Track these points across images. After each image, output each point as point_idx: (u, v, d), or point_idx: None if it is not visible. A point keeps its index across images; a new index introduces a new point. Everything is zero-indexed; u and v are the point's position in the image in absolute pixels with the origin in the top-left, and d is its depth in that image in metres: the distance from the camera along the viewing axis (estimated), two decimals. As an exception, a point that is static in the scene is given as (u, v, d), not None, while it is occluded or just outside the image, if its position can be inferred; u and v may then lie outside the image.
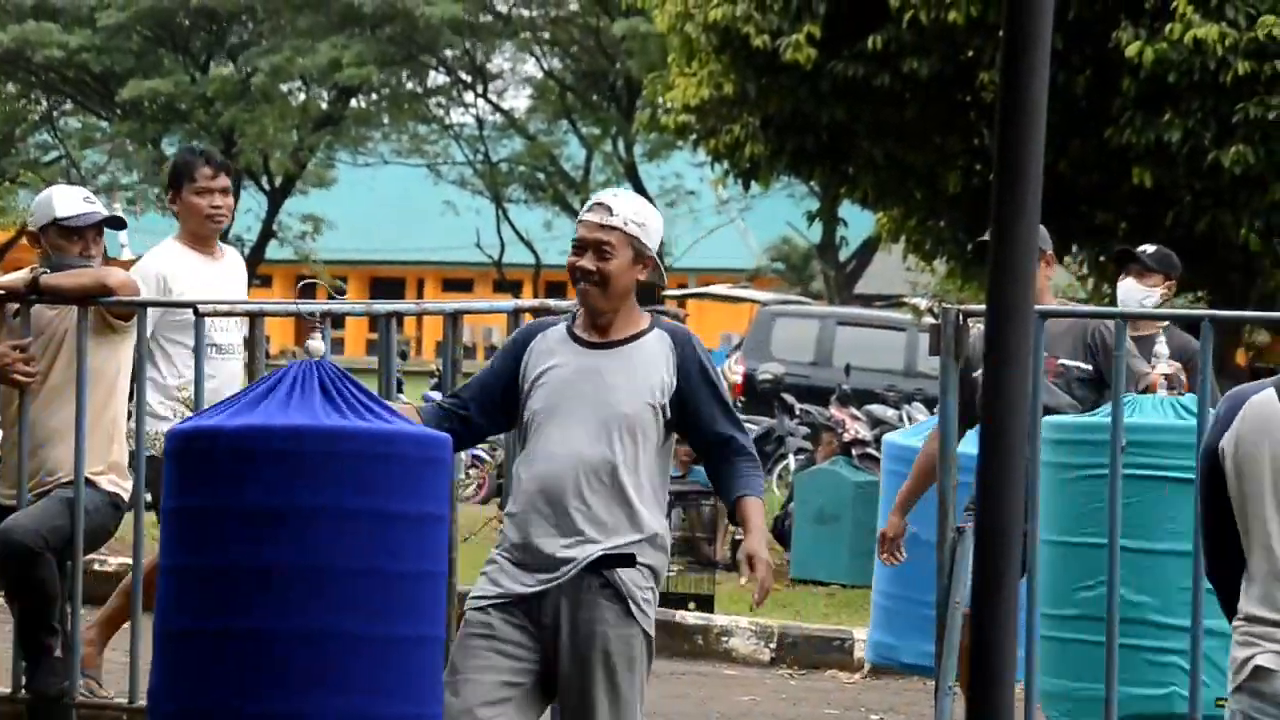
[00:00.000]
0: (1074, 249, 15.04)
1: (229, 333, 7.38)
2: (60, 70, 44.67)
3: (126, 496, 6.60)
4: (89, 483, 6.43)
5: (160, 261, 7.34)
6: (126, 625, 6.79)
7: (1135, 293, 7.77)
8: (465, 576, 9.35)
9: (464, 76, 46.76)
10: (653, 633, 5.23)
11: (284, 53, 42.41)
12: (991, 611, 2.63)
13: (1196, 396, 6.14)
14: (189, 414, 6.16)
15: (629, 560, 5.14)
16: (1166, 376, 6.09)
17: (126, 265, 7.51)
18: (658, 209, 5.50)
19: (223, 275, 7.39)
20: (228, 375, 7.31)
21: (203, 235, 7.36)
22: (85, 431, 6.31)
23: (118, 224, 6.98)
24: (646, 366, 5.22)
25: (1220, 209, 12.68)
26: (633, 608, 5.14)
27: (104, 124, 46.79)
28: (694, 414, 5.23)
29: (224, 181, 7.38)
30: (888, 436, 9.01)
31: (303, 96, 46.78)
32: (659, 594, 5.37)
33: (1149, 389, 6.22)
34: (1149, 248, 8.00)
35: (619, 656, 5.12)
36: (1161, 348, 6.21)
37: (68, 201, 6.65)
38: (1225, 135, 12.18)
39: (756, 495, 5.27)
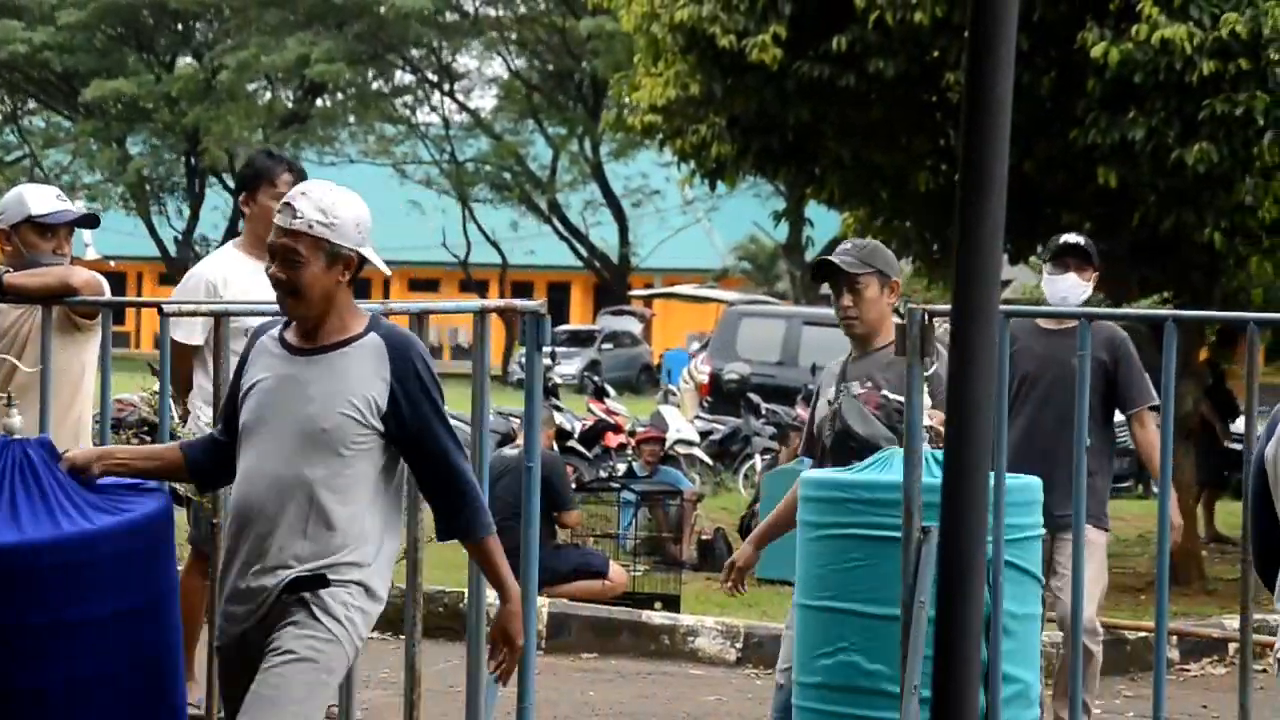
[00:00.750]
0: (1039, 249, 15.07)
1: None
2: (24, 69, 44.49)
3: None
4: None
5: (213, 267, 7.17)
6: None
7: (1078, 288, 7.66)
8: (431, 577, 9.35)
9: (430, 76, 46.71)
10: (350, 651, 4.79)
11: (250, 49, 42.31)
12: (955, 612, 2.64)
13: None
14: None
15: (323, 581, 4.75)
16: (927, 428, 5.61)
17: (91, 265, 7.45)
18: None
19: None
20: None
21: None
22: (50, 432, 6.27)
23: (92, 223, 6.92)
24: (350, 376, 4.78)
25: (1184, 208, 12.72)
26: (320, 613, 4.73)
27: (67, 123, 46.64)
28: (416, 438, 4.80)
29: None
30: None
31: (268, 96, 46.67)
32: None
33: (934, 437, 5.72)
34: (1080, 239, 7.85)
35: (301, 648, 4.71)
36: (928, 399, 5.76)
37: (42, 199, 6.62)
38: (1189, 134, 12.22)
39: (494, 534, 4.89)
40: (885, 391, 6.38)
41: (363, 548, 4.79)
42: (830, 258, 6.63)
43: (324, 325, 4.82)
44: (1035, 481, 5.99)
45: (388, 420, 4.77)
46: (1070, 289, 7.65)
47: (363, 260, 4.84)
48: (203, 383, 7.03)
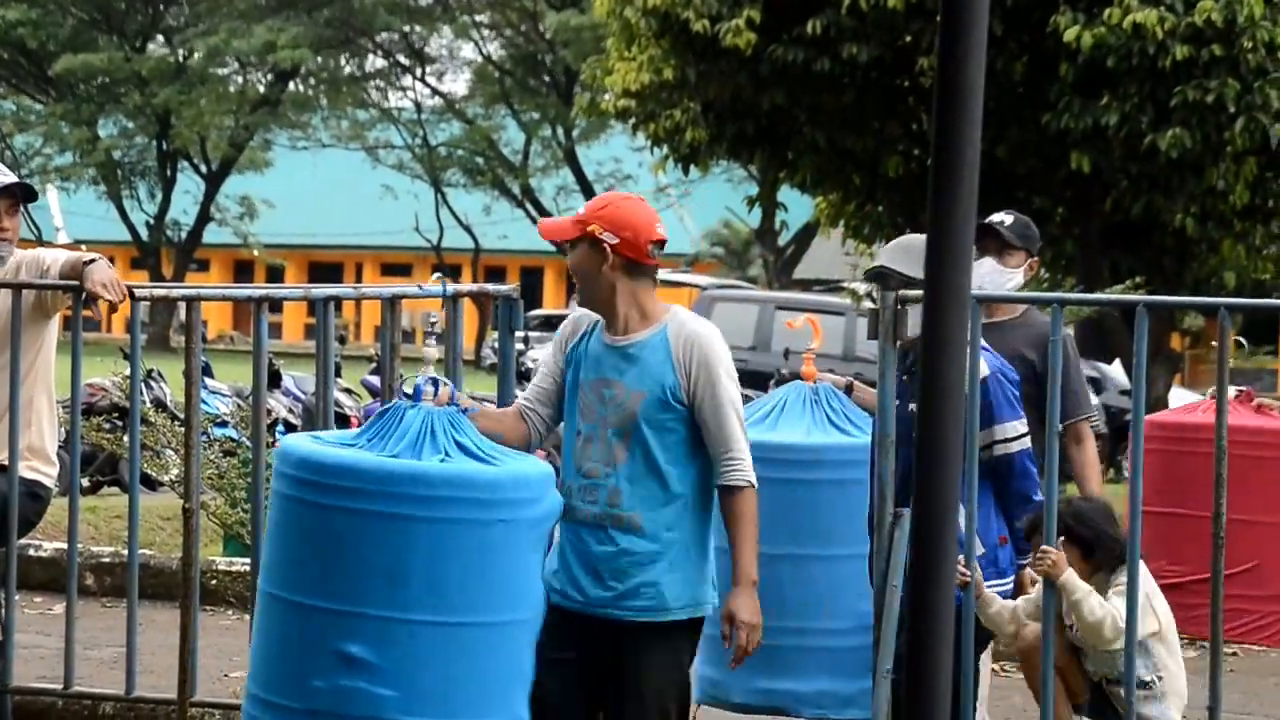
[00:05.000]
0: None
1: None
2: (-6, 50, 44.35)
3: (48, 483, 6.51)
4: (4, 470, 6.32)
5: None
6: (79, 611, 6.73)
7: (998, 275, 6.49)
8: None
9: (402, 60, 46.63)
10: None
11: (220, 34, 42.22)
12: (928, 591, 2.65)
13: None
14: None
15: None
16: None
17: (64, 249, 7.38)
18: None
19: None
20: None
21: None
22: (20, 418, 6.24)
23: (29, 195, 6.75)
24: None
25: (1156, 193, 12.77)
26: None
27: (39, 106, 46.48)
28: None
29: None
30: None
31: (240, 80, 46.58)
32: None
33: None
34: (1006, 217, 6.66)
35: None
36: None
37: None
38: (1162, 119, 12.26)
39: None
40: None
41: None
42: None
43: None
44: None
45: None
46: (987, 277, 6.43)
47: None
48: None
